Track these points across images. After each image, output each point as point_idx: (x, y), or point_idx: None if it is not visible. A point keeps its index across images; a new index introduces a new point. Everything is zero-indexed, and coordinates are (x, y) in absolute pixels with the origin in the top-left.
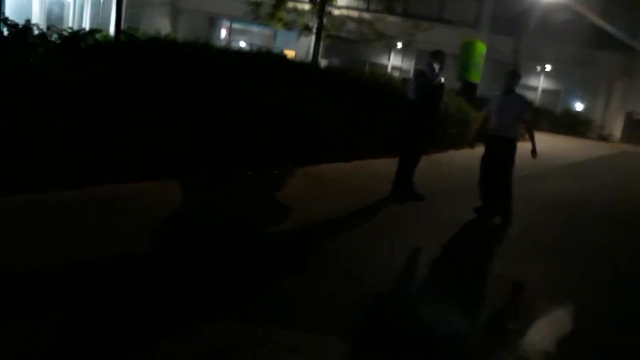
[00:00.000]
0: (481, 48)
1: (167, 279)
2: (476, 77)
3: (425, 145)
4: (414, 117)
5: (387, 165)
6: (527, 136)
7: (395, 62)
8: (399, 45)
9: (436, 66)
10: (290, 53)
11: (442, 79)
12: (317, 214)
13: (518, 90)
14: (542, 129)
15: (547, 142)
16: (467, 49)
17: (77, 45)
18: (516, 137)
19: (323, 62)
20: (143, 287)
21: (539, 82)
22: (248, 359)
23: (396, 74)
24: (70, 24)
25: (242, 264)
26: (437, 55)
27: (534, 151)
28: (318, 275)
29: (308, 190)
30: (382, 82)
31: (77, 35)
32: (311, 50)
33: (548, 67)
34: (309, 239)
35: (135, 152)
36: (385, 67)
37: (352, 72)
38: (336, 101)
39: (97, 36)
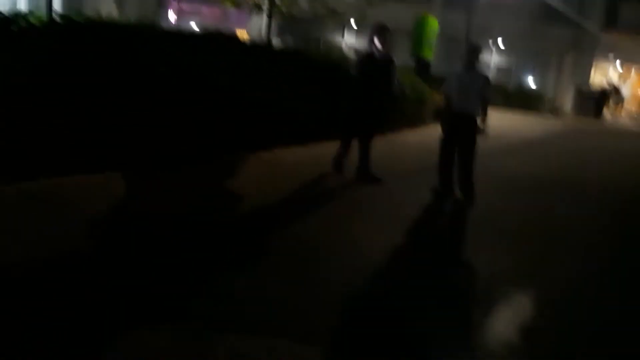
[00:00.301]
0: (434, 24)
1: (101, 278)
2: (429, 53)
3: (379, 126)
4: (363, 98)
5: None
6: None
7: (349, 39)
8: (353, 23)
9: (378, 41)
10: (242, 33)
11: (390, 55)
12: (270, 203)
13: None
14: (495, 105)
15: (502, 120)
16: (420, 24)
17: (8, 29)
18: (478, 115)
19: (276, 42)
20: (74, 288)
21: (491, 58)
22: None
23: (351, 52)
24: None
25: (187, 259)
26: (378, 29)
27: (482, 129)
28: (272, 271)
29: (261, 178)
30: (337, 62)
31: (8, 18)
32: (264, 29)
33: (500, 43)
34: (261, 231)
35: (73, 143)
36: (340, 45)
37: (307, 52)
38: (291, 82)
39: (32, 19)
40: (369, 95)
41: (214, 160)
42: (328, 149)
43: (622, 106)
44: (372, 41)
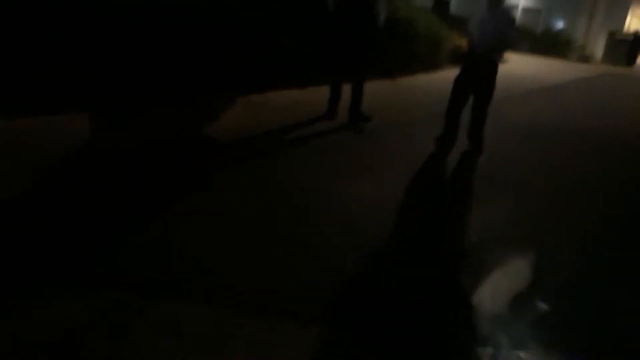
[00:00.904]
0: None
1: (32, 229)
2: None
3: (366, 64)
4: (343, 34)
5: (347, 91)
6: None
7: None
8: None
9: None
10: None
11: None
12: (254, 150)
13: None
14: (522, 50)
15: (526, 64)
16: None
17: None
18: (500, 60)
19: None
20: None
21: (519, 0)
22: (115, 339)
23: None
24: None
25: (133, 206)
26: None
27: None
28: (234, 227)
29: (248, 122)
30: None
31: None
32: None
33: None
34: (238, 185)
35: (38, 84)
36: None
37: None
38: (290, 14)
39: None
40: (350, 31)
41: (196, 101)
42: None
43: None
44: None
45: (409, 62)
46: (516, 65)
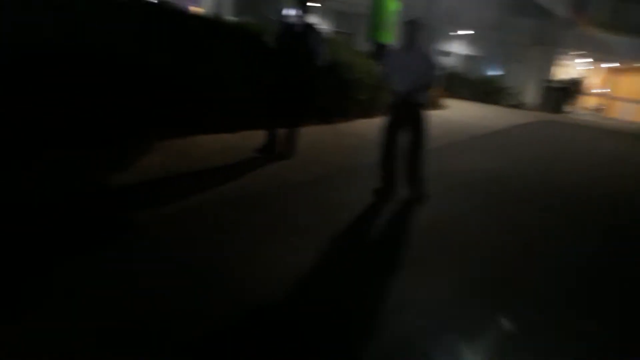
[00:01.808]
0: (393, 5)
1: None
2: (388, 37)
3: (305, 103)
4: (282, 73)
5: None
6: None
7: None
8: (317, 4)
9: (298, 10)
10: (197, 9)
11: (311, 23)
12: (164, 204)
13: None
14: (459, 96)
15: (467, 110)
16: (378, 5)
17: None
18: (425, 101)
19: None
20: None
21: (456, 48)
22: None
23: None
24: None
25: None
26: None
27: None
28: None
29: (163, 170)
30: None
31: None
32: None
33: (465, 32)
34: (138, 249)
35: None
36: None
37: (253, 27)
38: (234, 62)
39: None
40: (289, 69)
41: (115, 146)
42: (260, 137)
43: (583, 100)
44: (285, 14)
45: (348, 106)
46: (456, 112)
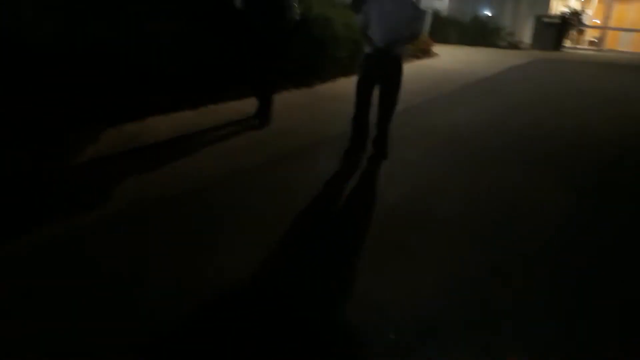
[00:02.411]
0: None
1: None
2: None
3: (277, 65)
4: (249, 33)
5: (247, 108)
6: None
7: None
8: None
9: None
10: None
11: None
12: (104, 205)
13: None
14: (450, 41)
15: (457, 56)
16: None
17: None
18: (404, 54)
19: None
20: None
21: None
22: None
23: None
24: None
25: None
26: None
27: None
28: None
29: (110, 163)
30: None
31: None
32: None
33: None
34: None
35: None
36: None
37: None
38: (179, 22)
39: None
40: (261, 28)
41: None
42: (224, 111)
43: (583, 34)
44: None
45: (326, 66)
46: (446, 58)
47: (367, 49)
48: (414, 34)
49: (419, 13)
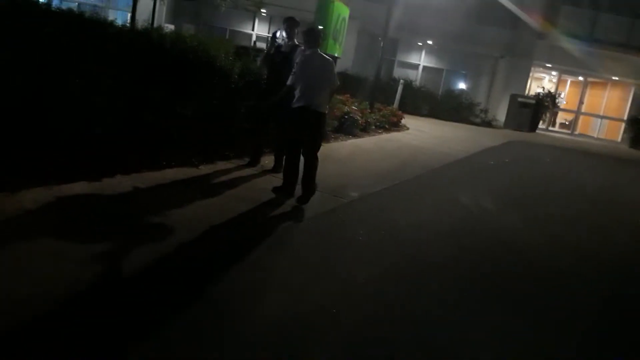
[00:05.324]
0: (342, 10)
1: None
2: (335, 48)
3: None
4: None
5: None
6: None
7: (260, 30)
8: (264, 12)
9: (284, 34)
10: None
11: (297, 44)
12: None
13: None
14: (421, 113)
15: (429, 131)
16: (323, 11)
17: None
18: (326, 111)
19: (169, 28)
20: None
21: (420, 60)
22: None
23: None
24: None
25: None
26: (287, 22)
27: None
28: None
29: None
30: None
31: None
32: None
33: (429, 42)
34: None
35: None
36: (250, 35)
37: (159, 38)
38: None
39: None
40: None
41: None
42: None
43: (556, 116)
44: (281, 33)
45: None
46: (417, 134)
47: (296, 104)
48: (332, 91)
49: (333, 68)
